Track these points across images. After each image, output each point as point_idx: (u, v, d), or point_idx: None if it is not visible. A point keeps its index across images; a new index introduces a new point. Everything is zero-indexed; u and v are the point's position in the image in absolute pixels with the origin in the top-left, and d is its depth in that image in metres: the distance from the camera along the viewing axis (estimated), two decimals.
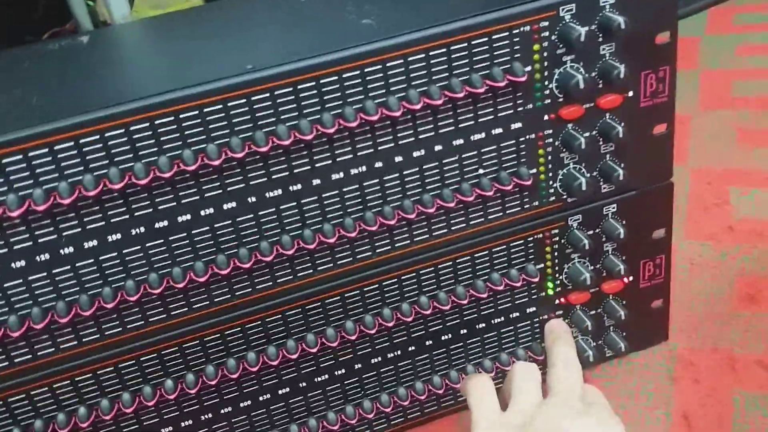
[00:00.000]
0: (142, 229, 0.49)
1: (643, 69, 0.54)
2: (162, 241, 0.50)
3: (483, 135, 0.53)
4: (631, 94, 0.54)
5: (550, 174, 0.56)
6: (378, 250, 0.55)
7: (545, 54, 0.51)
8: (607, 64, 0.52)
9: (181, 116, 0.46)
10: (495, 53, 0.50)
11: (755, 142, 0.93)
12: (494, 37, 0.50)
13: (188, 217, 0.49)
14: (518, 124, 0.54)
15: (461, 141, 0.53)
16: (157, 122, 0.46)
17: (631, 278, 0.62)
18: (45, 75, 0.55)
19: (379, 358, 0.60)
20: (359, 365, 0.60)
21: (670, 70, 0.55)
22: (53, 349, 0.51)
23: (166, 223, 0.49)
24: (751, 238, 0.78)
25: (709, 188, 0.86)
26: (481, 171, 0.54)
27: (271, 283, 0.54)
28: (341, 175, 0.52)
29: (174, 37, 0.61)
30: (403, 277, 0.57)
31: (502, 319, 0.62)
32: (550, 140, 0.55)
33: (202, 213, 0.50)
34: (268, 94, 0.47)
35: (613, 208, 0.59)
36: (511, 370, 0.54)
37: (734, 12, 1.32)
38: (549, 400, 0.51)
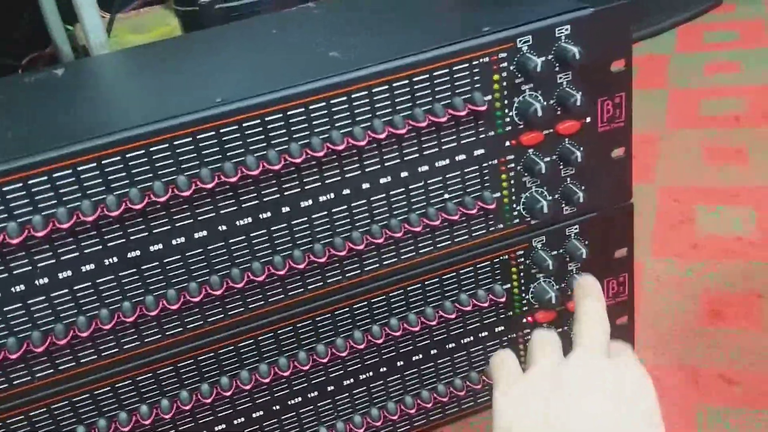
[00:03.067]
0: (115, 259, 0.50)
1: (600, 96, 0.56)
2: (134, 270, 0.51)
3: (447, 161, 0.55)
4: (588, 120, 0.56)
5: (513, 197, 0.58)
6: (348, 275, 0.57)
7: (504, 83, 0.53)
8: (565, 92, 0.54)
9: (151, 149, 0.48)
10: (456, 84, 0.52)
11: (721, 159, 0.96)
12: (455, 68, 0.52)
13: (160, 246, 0.51)
14: (481, 151, 0.55)
15: (426, 167, 0.55)
16: (128, 155, 0.47)
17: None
18: (20, 108, 0.57)
19: (351, 380, 0.61)
20: (331, 387, 0.61)
21: (626, 96, 0.57)
22: (51, 370, 0.52)
23: (138, 252, 0.51)
24: (716, 255, 0.80)
25: (676, 206, 0.89)
26: (446, 196, 0.56)
27: (242, 309, 0.55)
28: (310, 202, 0.53)
29: (147, 70, 0.63)
30: (372, 300, 0.58)
31: (471, 338, 0.63)
32: (512, 165, 0.57)
33: (174, 242, 0.51)
34: (236, 126, 0.49)
35: (576, 229, 0.61)
36: (531, 339, 0.52)
37: (704, 29, 1.36)
38: (571, 355, 0.48)
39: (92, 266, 0.50)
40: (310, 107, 0.50)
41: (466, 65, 0.52)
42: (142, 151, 0.48)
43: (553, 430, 0.44)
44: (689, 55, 1.26)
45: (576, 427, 0.43)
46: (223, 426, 0.59)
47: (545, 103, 0.54)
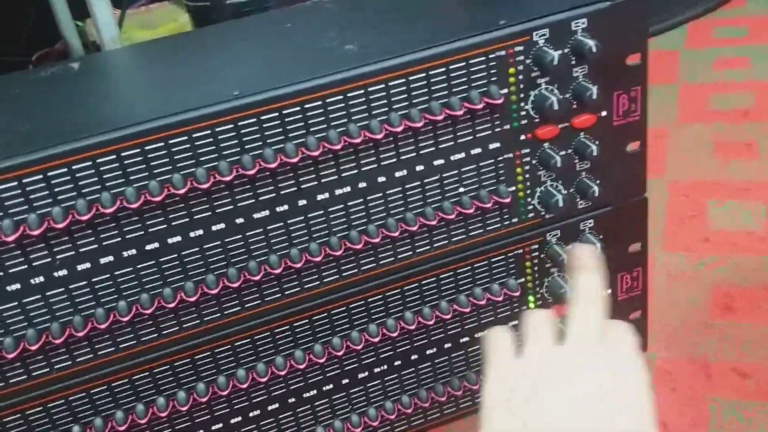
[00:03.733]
0: (133, 252, 0.50)
1: (615, 90, 0.56)
2: (153, 262, 0.51)
3: (462, 155, 0.55)
4: (604, 113, 0.57)
5: (528, 191, 0.58)
6: (363, 268, 0.57)
7: (521, 77, 0.53)
8: (580, 86, 0.54)
9: (170, 141, 0.48)
10: (472, 77, 0.52)
11: (731, 154, 0.96)
12: (471, 61, 0.52)
13: (178, 238, 0.51)
14: (496, 144, 0.56)
15: (442, 161, 0.55)
16: (147, 148, 0.48)
17: (609, 291, 0.64)
18: (37, 102, 0.57)
19: (366, 373, 0.62)
20: (346, 380, 0.61)
21: (642, 90, 0.57)
22: (47, 369, 0.52)
23: (156, 245, 0.51)
24: (727, 249, 0.80)
25: (686, 200, 0.89)
26: (461, 189, 0.56)
27: (259, 302, 0.55)
28: (326, 195, 0.53)
29: (163, 63, 0.63)
30: (387, 294, 0.59)
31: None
32: (528, 159, 0.57)
33: (192, 234, 0.51)
34: (254, 119, 0.49)
35: (590, 223, 0.61)
36: (525, 319, 0.48)
37: (713, 25, 1.36)
38: (562, 344, 0.46)
39: (111, 258, 0.50)
40: (327, 100, 0.50)
41: (483, 58, 0.52)
42: (161, 144, 0.48)
43: (536, 418, 0.42)
44: (698, 51, 1.26)
45: (560, 416, 0.43)
46: (220, 425, 0.59)
47: (561, 96, 0.54)
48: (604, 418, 0.42)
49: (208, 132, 0.48)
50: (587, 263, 0.49)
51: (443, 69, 0.51)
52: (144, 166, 0.48)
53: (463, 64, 0.52)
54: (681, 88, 1.15)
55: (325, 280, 0.57)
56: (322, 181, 0.53)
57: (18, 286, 0.49)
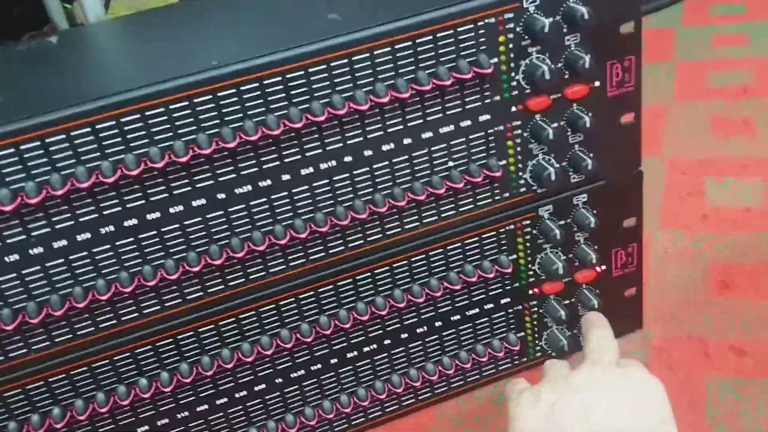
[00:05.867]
0: (111, 228, 0.49)
1: (609, 59, 0.54)
2: (132, 239, 0.50)
3: (452, 127, 0.54)
4: (597, 84, 0.55)
5: (520, 165, 0.56)
6: (350, 245, 0.56)
7: (511, 46, 0.52)
8: (573, 55, 0.53)
9: (147, 113, 0.46)
10: (461, 46, 0.51)
11: (729, 131, 0.94)
12: (459, 29, 0.50)
13: (157, 215, 0.49)
14: (486, 116, 0.54)
15: (430, 134, 0.53)
16: (123, 120, 0.46)
17: (603, 267, 0.63)
18: (13, 75, 0.55)
19: (355, 353, 0.60)
20: (334, 360, 0.60)
21: (636, 60, 0.55)
22: (25, 350, 0.51)
23: (135, 221, 0.49)
24: (725, 226, 0.78)
25: (684, 178, 0.87)
26: (450, 163, 0.55)
27: (243, 280, 0.54)
28: (311, 170, 0.52)
29: (143, 35, 0.61)
30: (376, 271, 0.57)
31: (477, 310, 0.62)
32: (519, 131, 0.55)
33: (171, 210, 0.50)
34: (234, 90, 0.47)
35: (584, 197, 0.59)
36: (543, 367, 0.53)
37: (710, 3, 1.33)
38: (578, 368, 0.49)
39: (88, 235, 0.48)
40: (310, 70, 0.48)
41: (471, 26, 0.50)
42: (138, 116, 0.46)
43: (558, 429, 0.44)
44: (695, 29, 1.24)
45: (581, 428, 0.43)
46: (205, 407, 0.58)
47: (553, 66, 0.52)
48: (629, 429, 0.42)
49: (186, 104, 0.47)
50: (600, 323, 0.54)
51: (431, 37, 0.50)
52: (120, 139, 0.46)
53: (451, 32, 0.50)
54: (678, 66, 1.13)
55: (311, 258, 0.55)
56: (306, 154, 0.51)
57: (17, 256, 0.48)
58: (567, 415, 0.44)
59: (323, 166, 0.52)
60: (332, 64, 0.49)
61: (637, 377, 0.46)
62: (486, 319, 0.63)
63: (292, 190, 0.52)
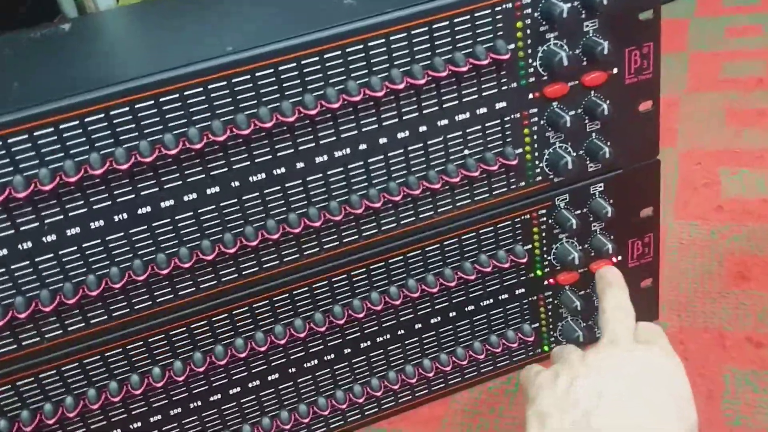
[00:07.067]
0: (125, 216, 0.49)
1: (627, 46, 0.54)
2: (145, 227, 0.49)
3: (467, 115, 0.53)
4: (615, 71, 0.54)
5: (536, 153, 0.56)
6: (365, 234, 0.55)
7: (528, 31, 0.51)
8: (591, 41, 0.52)
9: (161, 100, 0.46)
10: (477, 31, 0.50)
11: (744, 122, 0.93)
12: (476, 14, 0.49)
13: (171, 202, 0.49)
14: (503, 104, 0.53)
15: (446, 121, 0.53)
16: (137, 106, 0.46)
17: (619, 258, 0.62)
18: (26, 62, 0.55)
19: (368, 343, 0.60)
20: (348, 350, 0.60)
21: (654, 46, 0.54)
22: (39, 338, 0.51)
23: (149, 209, 0.49)
24: (740, 217, 0.77)
25: (699, 169, 0.86)
26: (466, 151, 0.54)
27: (256, 269, 0.53)
28: (325, 158, 0.51)
29: (155, 22, 0.60)
30: (390, 261, 0.57)
31: (491, 301, 0.61)
32: (536, 119, 0.54)
33: (185, 198, 0.49)
34: (248, 76, 0.47)
35: (600, 187, 0.58)
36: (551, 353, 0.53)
37: None
38: (595, 347, 0.48)
39: (101, 222, 0.48)
40: (325, 56, 0.48)
41: (488, 11, 0.49)
42: (152, 102, 0.46)
43: (575, 411, 0.43)
44: (709, 19, 1.23)
45: (598, 411, 0.42)
46: (218, 396, 0.58)
47: (570, 52, 0.52)
48: (647, 413, 0.41)
49: (200, 90, 0.46)
50: (615, 281, 0.53)
51: (447, 23, 0.49)
52: (134, 125, 0.46)
53: (468, 17, 0.49)
54: (692, 57, 1.12)
55: (325, 247, 0.55)
56: (321, 142, 0.51)
57: (4, 251, 0.47)
58: (585, 394, 0.43)
59: (337, 153, 0.51)
60: (347, 50, 0.48)
61: (656, 361, 0.45)
62: (500, 309, 0.62)
63: (307, 178, 0.51)
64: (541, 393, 0.46)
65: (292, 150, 0.50)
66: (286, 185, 0.51)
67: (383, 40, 0.48)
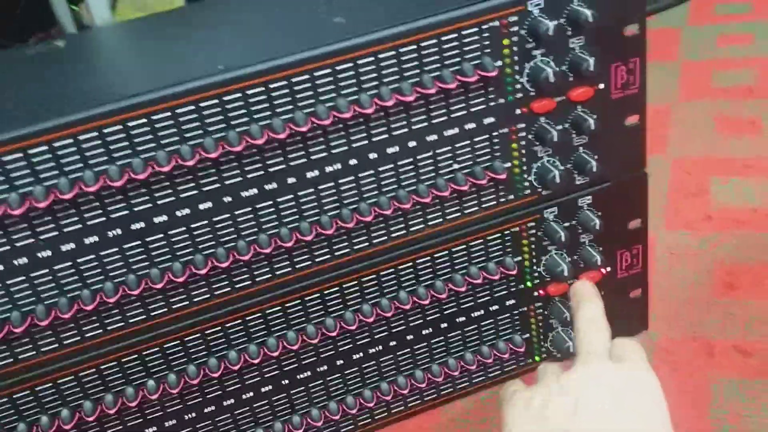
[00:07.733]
0: (119, 231, 0.49)
1: (613, 61, 0.54)
2: (139, 242, 0.50)
3: (456, 130, 0.54)
4: (602, 86, 0.55)
5: (525, 167, 0.57)
6: (356, 247, 0.56)
7: (515, 48, 0.52)
8: (577, 57, 0.53)
9: (153, 117, 0.47)
10: (465, 49, 0.51)
11: (734, 131, 0.94)
12: (464, 32, 0.50)
13: (164, 218, 0.50)
14: (491, 119, 0.54)
15: (435, 137, 0.53)
16: (130, 124, 0.46)
17: (608, 269, 0.63)
18: (20, 80, 0.56)
19: (360, 354, 0.60)
20: (340, 361, 0.60)
21: (640, 62, 0.55)
22: (34, 352, 0.52)
23: (142, 224, 0.50)
24: (730, 226, 0.78)
25: (689, 178, 0.87)
26: (455, 166, 0.55)
27: (249, 282, 0.54)
28: (316, 173, 0.52)
29: (149, 39, 0.61)
30: (381, 273, 0.57)
31: (482, 312, 0.62)
32: (523, 134, 0.55)
33: (178, 214, 0.50)
34: (240, 94, 0.48)
35: (588, 199, 0.59)
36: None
37: (716, 2, 1.33)
38: (572, 367, 0.48)
39: (95, 238, 0.49)
40: (315, 74, 0.48)
41: (476, 29, 0.50)
42: (144, 120, 0.46)
43: (550, 427, 0.44)
44: (701, 28, 1.24)
45: (577, 423, 0.43)
46: (212, 408, 0.59)
47: (557, 68, 0.52)
48: (633, 418, 0.42)
49: (192, 108, 0.47)
50: (588, 295, 0.54)
51: (435, 41, 0.50)
52: (127, 143, 0.47)
53: (456, 35, 0.50)
54: (683, 65, 1.13)
55: (317, 260, 0.55)
56: (312, 158, 0.51)
57: (25, 260, 0.48)
58: (558, 415, 0.44)
59: (328, 169, 0.52)
60: (337, 68, 0.49)
61: (631, 375, 0.46)
62: (491, 320, 0.63)
63: (298, 193, 0.52)
64: (515, 415, 0.46)
65: (283, 166, 0.51)
66: (278, 200, 0.52)
67: (372, 58, 0.49)
